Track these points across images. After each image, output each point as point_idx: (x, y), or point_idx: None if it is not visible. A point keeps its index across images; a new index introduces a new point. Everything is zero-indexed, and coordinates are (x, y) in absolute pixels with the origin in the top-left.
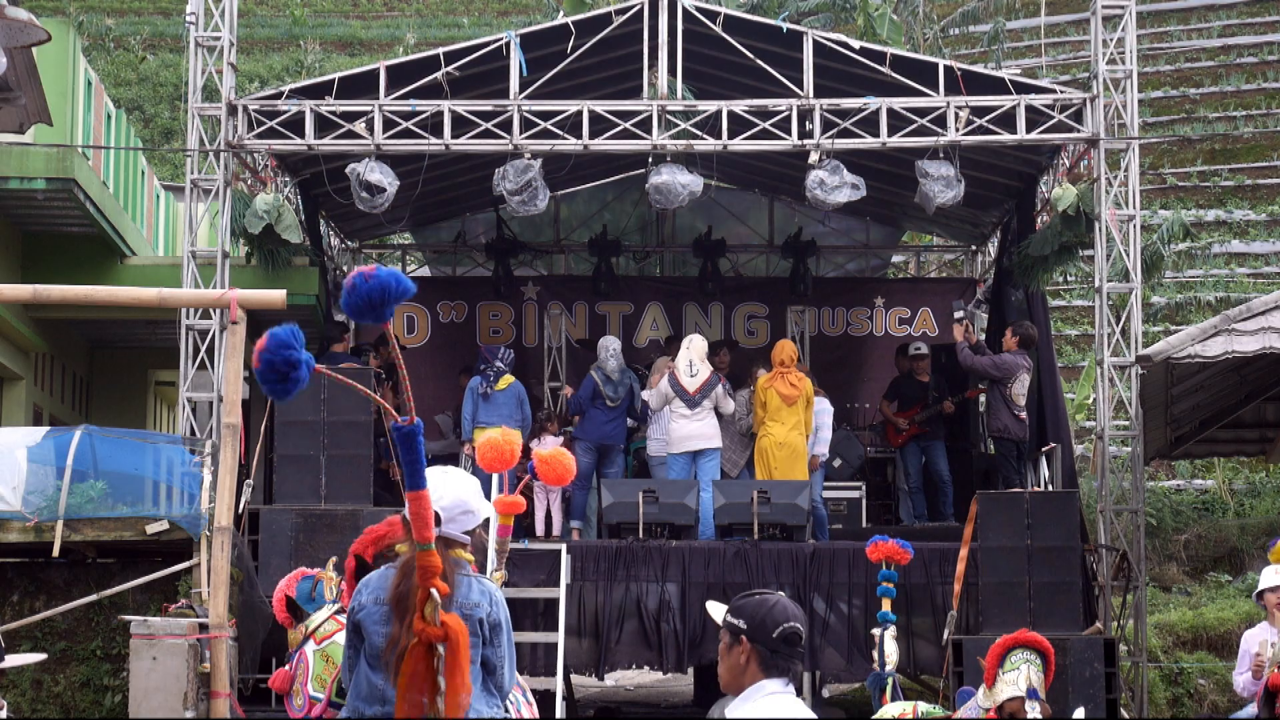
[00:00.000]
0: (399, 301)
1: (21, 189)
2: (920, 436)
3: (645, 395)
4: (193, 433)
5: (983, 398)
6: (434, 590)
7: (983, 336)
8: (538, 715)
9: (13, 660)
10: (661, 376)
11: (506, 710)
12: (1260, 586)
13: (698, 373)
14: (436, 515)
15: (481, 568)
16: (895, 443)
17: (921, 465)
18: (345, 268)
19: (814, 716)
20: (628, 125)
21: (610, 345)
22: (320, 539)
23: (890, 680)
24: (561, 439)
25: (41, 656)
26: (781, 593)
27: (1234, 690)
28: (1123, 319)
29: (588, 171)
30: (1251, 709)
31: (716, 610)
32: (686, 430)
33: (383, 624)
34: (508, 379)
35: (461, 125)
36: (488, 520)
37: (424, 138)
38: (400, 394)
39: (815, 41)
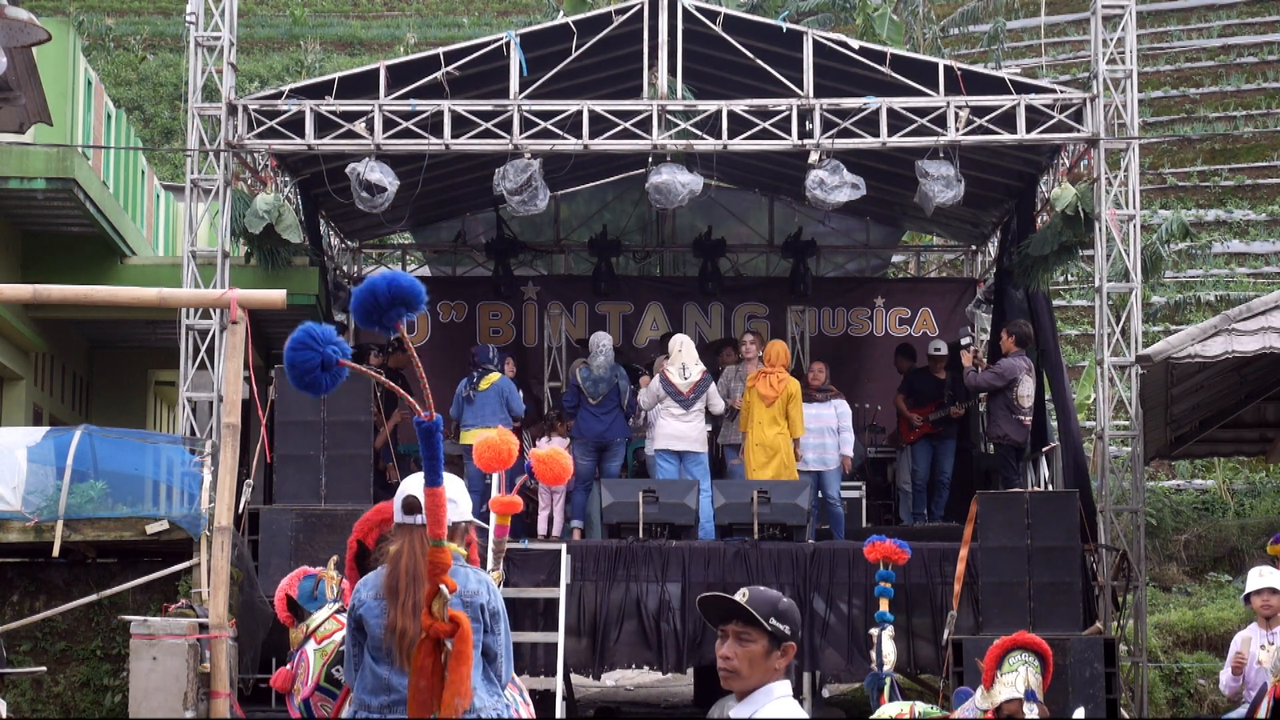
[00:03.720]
0: (409, 310)
1: (21, 189)
2: (932, 435)
3: (641, 398)
4: (193, 433)
5: (982, 402)
6: (443, 586)
7: (985, 337)
8: (535, 716)
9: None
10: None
11: (505, 706)
12: (1247, 590)
13: (690, 375)
14: (417, 502)
15: (481, 565)
16: (908, 439)
17: (930, 464)
18: (345, 268)
19: (805, 717)
20: (628, 125)
21: (601, 342)
22: (320, 539)
23: (889, 680)
24: (566, 440)
25: (41, 670)
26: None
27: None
28: (1123, 319)
29: (588, 171)
30: (1244, 709)
31: (738, 598)
32: (675, 430)
33: (384, 617)
34: (491, 378)
35: (461, 125)
36: (482, 529)
37: (424, 138)
38: (416, 392)
39: (815, 41)
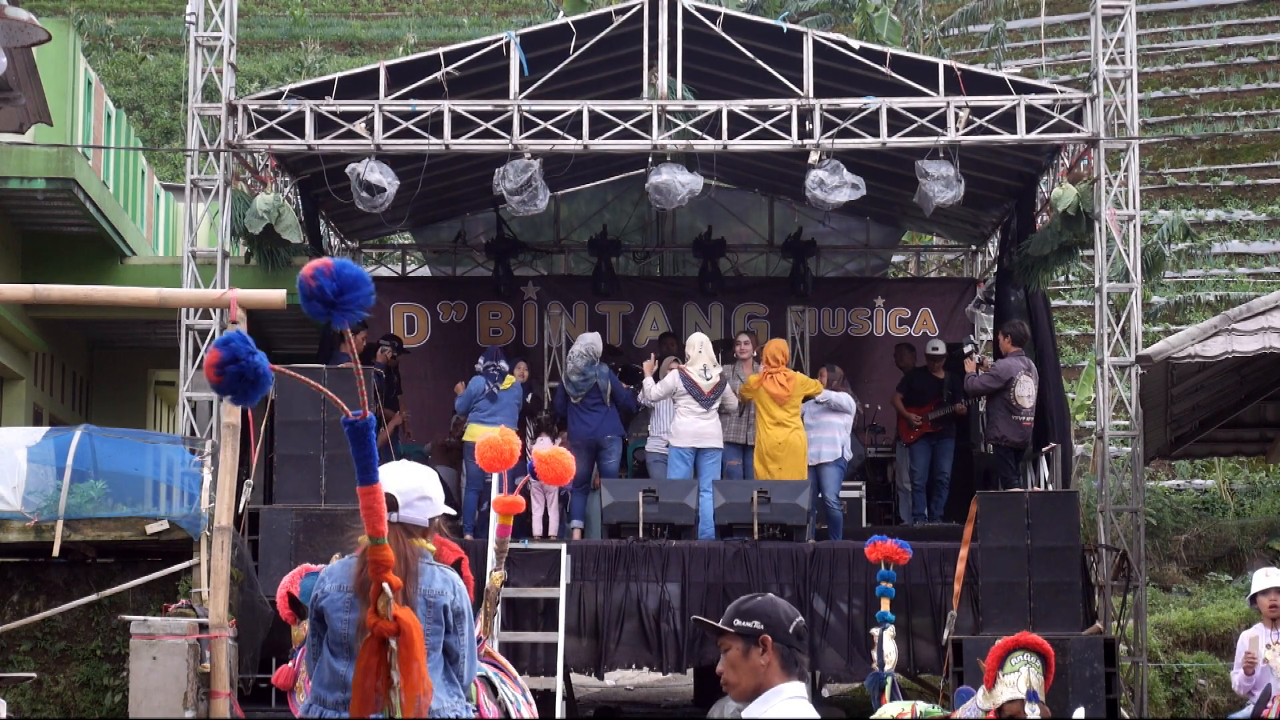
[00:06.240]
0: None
1: (21, 189)
2: (931, 435)
3: (650, 388)
4: (193, 433)
5: (982, 402)
6: (385, 585)
7: (986, 337)
8: (537, 715)
9: None
10: (669, 372)
11: (466, 707)
12: (1253, 590)
13: (711, 375)
14: (394, 499)
15: (480, 568)
16: (907, 439)
17: (929, 463)
18: None
19: (816, 718)
20: (628, 125)
21: (578, 343)
22: (320, 539)
23: (889, 680)
24: (560, 440)
25: (31, 676)
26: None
27: (1233, 689)
28: (1123, 319)
29: (588, 171)
30: (1249, 709)
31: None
32: (696, 427)
33: (345, 611)
34: (510, 379)
35: (461, 125)
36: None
37: (424, 138)
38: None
39: (815, 41)
